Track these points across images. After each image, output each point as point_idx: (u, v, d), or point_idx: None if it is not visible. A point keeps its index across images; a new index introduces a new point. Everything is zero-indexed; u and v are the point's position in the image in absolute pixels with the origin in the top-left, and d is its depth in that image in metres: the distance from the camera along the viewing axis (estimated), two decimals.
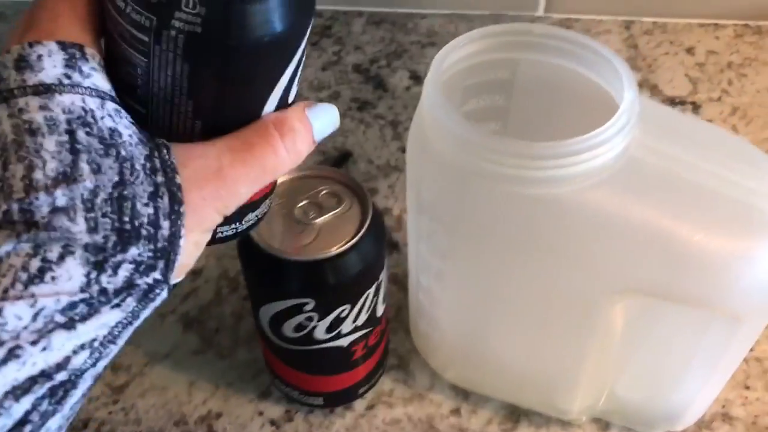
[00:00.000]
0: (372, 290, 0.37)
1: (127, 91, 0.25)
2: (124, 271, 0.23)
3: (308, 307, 0.35)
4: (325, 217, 0.35)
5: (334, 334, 0.37)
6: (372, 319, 0.38)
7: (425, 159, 0.34)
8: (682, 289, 0.32)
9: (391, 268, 0.49)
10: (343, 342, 0.38)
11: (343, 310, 0.36)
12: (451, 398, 0.44)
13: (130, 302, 0.24)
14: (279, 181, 0.33)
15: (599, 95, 0.34)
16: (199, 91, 0.25)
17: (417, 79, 0.61)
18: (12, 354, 0.21)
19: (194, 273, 0.49)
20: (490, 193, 0.32)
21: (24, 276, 0.22)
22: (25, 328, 0.22)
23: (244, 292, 0.48)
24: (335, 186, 0.37)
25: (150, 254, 0.24)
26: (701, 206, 0.31)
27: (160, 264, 0.24)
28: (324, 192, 0.36)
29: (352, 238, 0.34)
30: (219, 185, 0.25)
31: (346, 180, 0.37)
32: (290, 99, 0.28)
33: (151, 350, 0.46)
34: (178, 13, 0.23)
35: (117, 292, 0.23)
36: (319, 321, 0.36)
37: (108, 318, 0.23)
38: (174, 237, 0.24)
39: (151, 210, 0.24)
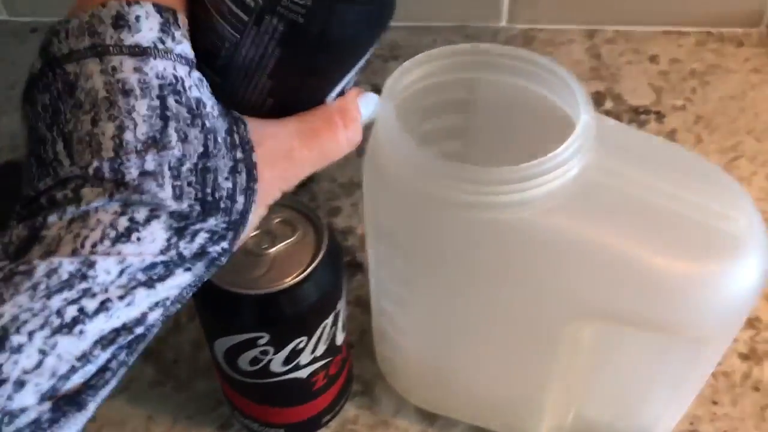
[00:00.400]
0: (330, 320, 0.36)
1: (206, 60, 0.26)
2: (200, 239, 0.24)
3: (262, 341, 0.34)
4: (278, 246, 0.34)
5: (291, 366, 0.36)
6: (332, 349, 0.37)
7: (381, 186, 0.33)
8: (645, 314, 0.31)
9: (355, 290, 0.48)
10: (302, 374, 0.37)
11: (299, 343, 0.35)
12: (417, 423, 0.43)
13: (200, 267, 0.25)
14: None
15: (557, 115, 0.33)
16: (281, 74, 0.26)
17: (380, 93, 0.60)
18: (103, 306, 0.23)
19: None
20: (446, 219, 0.31)
21: (112, 233, 0.23)
22: (112, 283, 0.23)
23: None
24: (288, 213, 0.35)
25: (224, 226, 0.25)
26: (661, 228, 0.30)
27: (230, 235, 0.25)
28: (277, 220, 0.35)
29: (307, 268, 0.33)
30: (287, 166, 0.27)
31: (299, 207, 0.36)
32: (349, 86, 0.29)
33: None
34: (285, 1, 0.24)
35: (191, 258, 0.25)
36: (274, 354, 0.35)
37: (180, 280, 0.25)
38: (246, 212, 0.26)
39: (230, 184, 0.25)
